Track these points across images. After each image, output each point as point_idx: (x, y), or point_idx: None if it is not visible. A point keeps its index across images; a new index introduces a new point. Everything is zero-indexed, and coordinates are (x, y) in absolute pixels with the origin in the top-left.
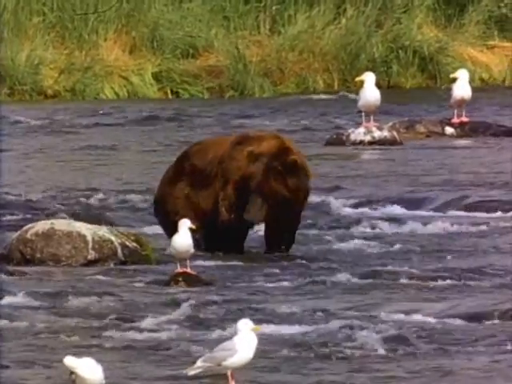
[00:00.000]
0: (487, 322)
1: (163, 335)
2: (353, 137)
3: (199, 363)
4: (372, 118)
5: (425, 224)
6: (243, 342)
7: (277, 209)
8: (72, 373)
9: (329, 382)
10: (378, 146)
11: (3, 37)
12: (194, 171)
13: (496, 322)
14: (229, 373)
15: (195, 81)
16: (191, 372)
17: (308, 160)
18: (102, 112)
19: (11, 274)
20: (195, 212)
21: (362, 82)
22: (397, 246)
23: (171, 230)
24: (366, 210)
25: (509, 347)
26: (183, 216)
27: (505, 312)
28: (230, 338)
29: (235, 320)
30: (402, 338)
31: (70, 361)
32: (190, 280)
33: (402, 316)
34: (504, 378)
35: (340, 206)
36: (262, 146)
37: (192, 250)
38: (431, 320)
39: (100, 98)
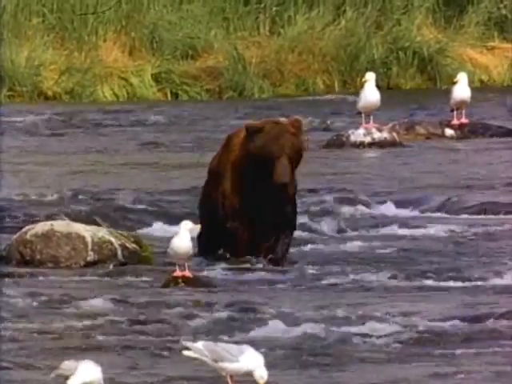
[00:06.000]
0: (494, 323)
1: (163, 337)
2: (353, 138)
3: (201, 346)
4: (372, 119)
5: (424, 226)
6: (251, 359)
7: None
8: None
9: None
10: (377, 148)
11: (3, 38)
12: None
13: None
14: (228, 375)
15: (194, 82)
16: (187, 352)
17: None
18: None
19: (10, 275)
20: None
21: (362, 83)
22: (396, 248)
23: None
24: (365, 211)
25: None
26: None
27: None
28: (238, 342)
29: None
30: (406, 339)
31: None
32: (190, 281)
33: (404, 318)
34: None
35: (339, 207)
36: None
37: (191, 252)
38: (430, 322)
39: (99, 100)
